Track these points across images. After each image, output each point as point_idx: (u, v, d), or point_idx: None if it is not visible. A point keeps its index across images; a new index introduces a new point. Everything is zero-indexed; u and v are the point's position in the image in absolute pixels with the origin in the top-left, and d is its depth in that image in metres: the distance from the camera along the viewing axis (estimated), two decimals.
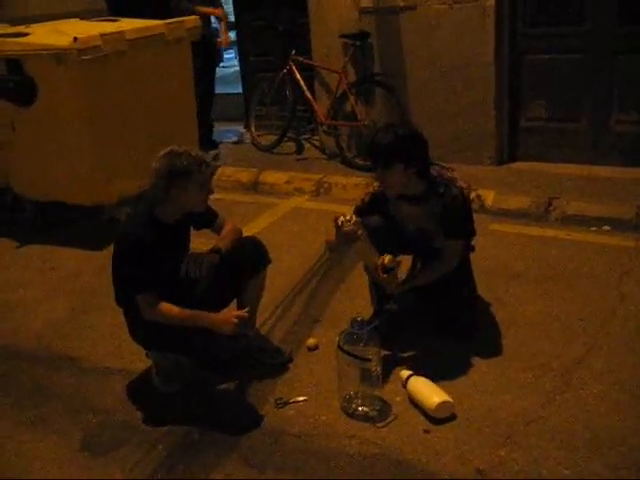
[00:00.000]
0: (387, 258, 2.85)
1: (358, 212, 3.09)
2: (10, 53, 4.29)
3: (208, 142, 6.11)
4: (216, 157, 5.94)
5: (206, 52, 5.80)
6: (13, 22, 5.49)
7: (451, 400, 2.64)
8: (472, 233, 3.12)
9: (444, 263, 3.00)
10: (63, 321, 3.62)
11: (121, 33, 4.36)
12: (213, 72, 6.30)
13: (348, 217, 2.88)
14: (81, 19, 5.33)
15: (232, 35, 8.68)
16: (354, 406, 2.70)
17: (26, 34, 4.48)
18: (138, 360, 3.17)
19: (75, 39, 4.06)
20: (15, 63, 4.28)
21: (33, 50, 4.22)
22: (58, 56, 4.11)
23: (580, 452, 2.42)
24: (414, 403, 2.71)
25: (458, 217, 2.97)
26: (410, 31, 5.17)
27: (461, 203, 2.96)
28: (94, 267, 4.24)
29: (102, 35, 4.23)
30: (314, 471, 2.42)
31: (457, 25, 4.99)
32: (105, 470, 2.50)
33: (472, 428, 2.57)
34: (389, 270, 2.86)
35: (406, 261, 3.28)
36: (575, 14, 4.84)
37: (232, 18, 6.95)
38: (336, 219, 2.88)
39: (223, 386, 2.95)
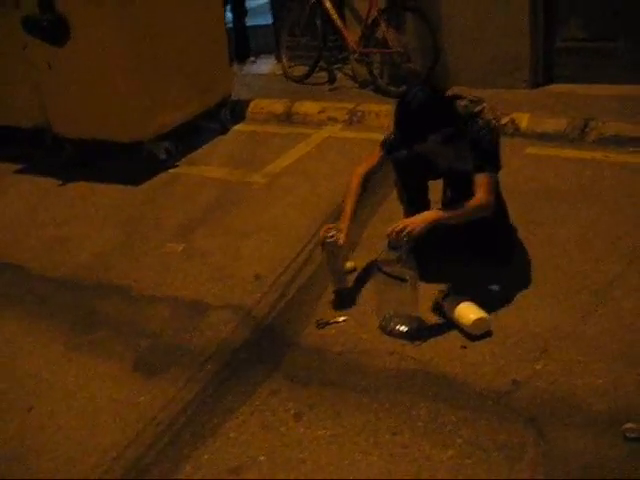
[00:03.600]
0: None
1: (386, 145, 3.09)
2: None
3: (245, 50, 6.54)
4: (254, 63, 6.60)
5: None
6: None
7: (487, 316, 2.72)
8: (498, 167, 2.95)
9: (479, 202, 2.81)
10: (109, 253, 3.75)
11: None
12: None
13: (331, 233, 2.97)
14: None
15: None
16: (392, 325, 2.78)
17: None
18: (182, 288, 3.31)
19: None
20: (46, 2, 4.29)
21: None
22: None
23: (614, 364, 2.48)
24: (451, 321, 2.78)
25: (484, 150, 2.87)
26: None
27: (486, 135, 2.88)
28: (135, 201, 4.37)
29: None
30: (355, 386, 2.54)
31: None
32: (159, 387, 2.65)
33: (508, 343, 2.65)
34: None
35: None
36: None
37: None
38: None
39: (265, 309, 3.06)
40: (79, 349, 2.97)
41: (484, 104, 2.98)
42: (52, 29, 4.33)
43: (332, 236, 2.97)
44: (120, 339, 3.01)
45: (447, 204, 3.23)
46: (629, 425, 2.19)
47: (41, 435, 2.51)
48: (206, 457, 2.30)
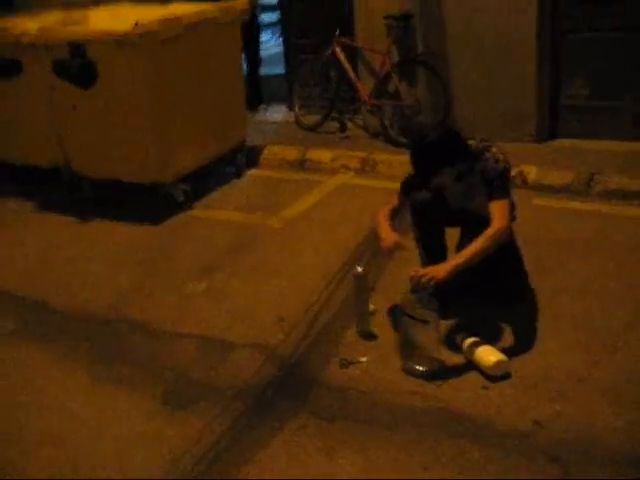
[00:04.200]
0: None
1: (404, 187, 3.23)
2: (74, 39, 4.47)
3: (258, 99, 6.84)
4: (266, 111, 6.89)
5: (250, 25, 5.99)
6: (63, 5, 5.69)
7: (506, 359, 2.82)
8: (509, 193, 3.07)
9: (492, 235, 2.89)
10: (130, 291, 3.83)
11: (178, 18, 4.55)
12: (258, 44, 7.00)
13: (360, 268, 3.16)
14: (130, 1, 5.51)
15: (274, 16, 8.92)
16: (414, 365, 2.88)
17: (86, 20, 4.68)
18: (205, 327, 3.40)
19: (136, 24, 4.24)
20: (77, 48, 4.47)
21: (95, 36, 4.42)
22: (119, 41, 4.31)
23: (629, 407, 2.59)
24: (471, 363, 2.88)
25: (495, 177, 2.99)
26: (453, 12, 5.28)
27: (494, 167, 3.00)
28: (152, 241, 4.48)
29: (160, 20, 4.42)
30: (381, 423, 2.62)
31: (499, 5, 5.09)
32: (188, 422, 2.71)
33: (527, 385, 2.75)
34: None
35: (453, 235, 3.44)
36: None
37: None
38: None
39: (289, 349, 3.15)
40: (105, 383, 3.04)
41: (491, 143, 3.14)
42: (81, 73, 4.50)
43: (362, 270, 3.09)
44: (145, 373, 3.08)
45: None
46: None
47: (70, 467, 2.56)
48: None
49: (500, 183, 3.02)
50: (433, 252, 3.21)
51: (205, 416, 2.74)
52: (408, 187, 3.23)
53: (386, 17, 5.49)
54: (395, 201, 3.28)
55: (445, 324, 3.08)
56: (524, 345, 3.00)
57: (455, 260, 2.93)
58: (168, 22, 4.49)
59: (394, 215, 3.27)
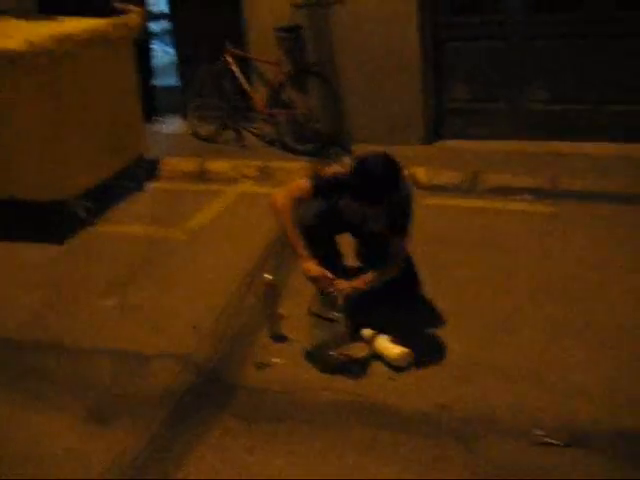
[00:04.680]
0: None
1: (317, 184, 3.20)
2: None
3: (151, 110, 6.71)
4: (161, 123, 6.82)
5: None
6: None
7: (409, 350, 3.07)
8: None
9: (393, 266, 3.22)
10: (43, 312, 3.80)
11: (70, 35, 4.55)
12: (148, 51, 7.03)
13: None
14: (15, 17, 5.41)
15: (155, 27, 8.90)
16: (325, 363, 3.07)
17: None
18: (121, 341, 3.45)
19: (29, 42, 4.22)
20: None
21: None
22: (12, 60, 4.27)
23: (520, 384, 2.89)
24: (379, 357, 3.11)
25: (406, 214, 3.21)
26: (340, 23, 5.54)
27: (408, 202, 3.23)
28: (59, 260, 4.44)
29: (52, 37, 4.40)
30: (300, 419, 2.80)
31: (384, 16, 5.39)
32: (113, 435, 2.78)
33: (429, 372, 3.01)
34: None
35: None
36: (491, 4, 5.35)
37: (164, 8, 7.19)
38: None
39: (204, 355, 3.28)
40: (25, 404, 3.05)
41: (404, 170, 3.33)
42: None
43: (271, 277, 3.26)
44: (65, 392, 3.11)
45: (363, 259, 3.59)
46: (537, 432, 2.59)
47: None
48: None
49: (409, 221, 3.23)
50: (326, 259, 3.33)
51: (128, 428, 2.82)
52: (321, 187, 3.21)
53: (276, 29, 5.67)
54: (304, 191, 3.21)
55: (351, 322, 3.29)
56: (425, 336, 3.27)
57: (362, 283, 3.20)
58: (60, 39, 4.47)
59: (298, 205, 3.24)
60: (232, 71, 5.98)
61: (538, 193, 4.75)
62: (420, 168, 5.16)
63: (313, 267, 3.16)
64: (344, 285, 3.14)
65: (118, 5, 6.03)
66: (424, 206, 4.67)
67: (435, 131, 5.76)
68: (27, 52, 4.22)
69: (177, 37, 6.91)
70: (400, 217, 3.21)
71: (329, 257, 3.42)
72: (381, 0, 5.35)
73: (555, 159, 5.15)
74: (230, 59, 5.98)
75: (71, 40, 4.54)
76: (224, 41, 6.01)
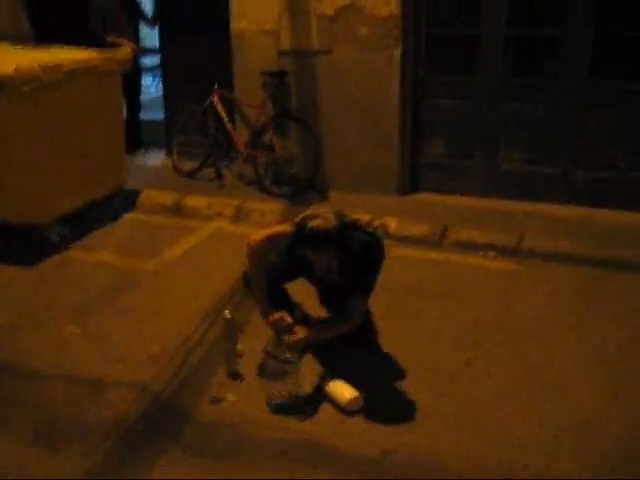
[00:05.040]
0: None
1: (294, 234, 3.22)
2: None
3: (137, 143, 7.04)
4: (145, 156, 7.05)
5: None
6: None
7: (359, 395, 3.13)
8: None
9: (350, 322, 3.30)
10: (3, 332, 3.84)
11: (59, 65, 4.68)
12: (139, 89, 7.19)
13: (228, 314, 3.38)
14: (10, 43, 5.57)
15: (149, 61, 9.08)
16: (278, 402, 3.13)
17: None
18: (79, 367, 3.49)
19: (16, 69, 4.34)
20: None
21: None
22: (0, 84, 4.38)
23: (466, 433, 2.97)
24: (330, 400, 3.17)
25: (373, 280, 3.34)
26: (325, 72, 5.71)
27: (379, 268, 3.36)
28: (26, 282, 4.49)
29: (41, 66, 4.53)
30: (246, 456, 2.84)
31: (367, 70, 5.57)
32: (58, 463, 2.81)
33: (378, 418, 3.07)
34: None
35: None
36: (469, 65, 5.54)
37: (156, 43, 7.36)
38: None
39: (161, 386, 3.32)
40: None
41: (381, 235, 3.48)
42: None
43: (230, 315, 3.33)
44: (16, 415, 3.14)
45: (326, 307, 3.69)
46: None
47: None
48: None
49: (371, 279, 3.34)
50: (276, 299, 3.49)
51: (76, 455, 2.85)
52: (300, 238, 3.19)
53: (262, 73, 5.84)
54: (282, 234, 3.33)
55: (306, 364, 3.36)
56: (376, 382, 3.34)
57: (311, 333, 3.28)
58: (49, 68, 4.61)
59: (274, 243, 3.38)
60: (217, 110, 6.13)
61: (503, 250, 4.85)
62: (392, 218, 5.28)
63: (272, 312, 3.31)
64: (299, 333, 3.22)
65: (111, 38, 6.24)
66: (392, 257, 4.70)
67: (411, 184, 5.90)
68: (15, 78, 4.33)
69: (165, 72, 7.07)
70: (367, 280, 3.34)
71: (285, 303, 3.55)
72: (365, 54, 5.52)
73: (524, 218, 5.29)
74: (216, 99, 6.13)
75: (59, 70, 4.66)
76: (211, 79, 6.17)
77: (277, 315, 3.29)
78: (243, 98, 6.06)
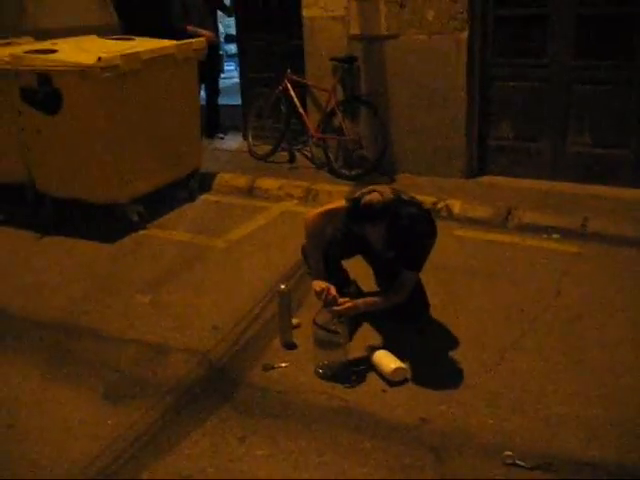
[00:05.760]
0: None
1: (352, 208, 3.36)
2: (41, 68, 4.89)
3: (215, 127, 7.44)
4: (223, 140, 7.44)
5: (211, 57, 6.36)
6: (35, 34, 6.14)
7: (405, 367, 3.27)
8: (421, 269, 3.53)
9: (398, 295, 3.43)
10: (82, 300, 4.21)
11: (138, 54, 5.00)
12: (218, 75, 7.52)
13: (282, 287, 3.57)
14: (98, 35, 5.98)
15: (233, 48, 9.42)
16: (326, 370, 3.31)
17: (54, 51, 5.09)
18: (148, 333, 3.79)
19: (99, 58, 4.67)
20: (45, 77, 4.88)
21: (61, 66, 4.83)
22: (83, 73, 4.72)
23: (504, 409, 3.05)
24: (376, 370, 3.33)
25: (423, 254, 3.44)
26: (393, 57, 5.81)
27: (431, 244, 3.46)
28: (107, 257, 4.86)
29: (121, 55, 4.86)
30: (291, 417, 3.04)
31: (434, 53, 5.63)
32: (125, 413, 3.11)
33: (420, 389, 3.20)
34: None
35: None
36: (537, 48, 5.51)
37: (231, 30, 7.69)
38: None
39: (219, 354, 3.57)
40: (55, 380, 3.41)
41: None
42: (47, 100, 4.90)
43: (284, 287, 3.53)
44: (90, 373, 3.46)
45: (380, 286, 3.86)
46: (507, 453, 2.75)
47: (20, 447, 2.94)
48: (162, 468, 2.76)
49: (420, 255, 3.45)
50: (332, 274, 3.65)
51: (140, 409, 3.13)
52: (356, 213, 3.34)
53: (333, 59, 6.00)
54: (338, 209, 3.50)
55: (354, 335, 3.53)
56: (422, 354, 3.46)
57: (356, 304, 3.43)
58: (128, 57, 4.93)
59: (330, 218, 3.55)
60: (289, 95, 6.34)
61: (567, 233, 4.85)
62: (456, 201, 5.36)
63: (319, 283, 3.45)
64: (345, 304, 3.38)
65: (190, 29, 6.57)
66: (453, 236, 4.92)
67: (477, 167, 5.93)
68: (96, 66, 4.66)
69: (242, 59, 7.34)
70: (418, 254, 3.45)
71: (339, 278, 3.73)
72: (432, 38, 5.59)
73: (590, 202, 5.24)
74: (289, 84, 6.34)
75: (137, 58, 4.98)
76: (285, 67, 6.39)
77: (323, 285, 3.43)
78: (314, 83, 6.24)
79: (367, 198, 3.29)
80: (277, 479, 2.69)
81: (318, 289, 3.44)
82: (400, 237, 3.32)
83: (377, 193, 3.30)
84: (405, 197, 3.48)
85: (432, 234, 3.49)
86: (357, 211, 3.32)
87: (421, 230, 3.40)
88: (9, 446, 2.95)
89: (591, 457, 2.75)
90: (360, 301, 3.49)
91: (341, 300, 3.38)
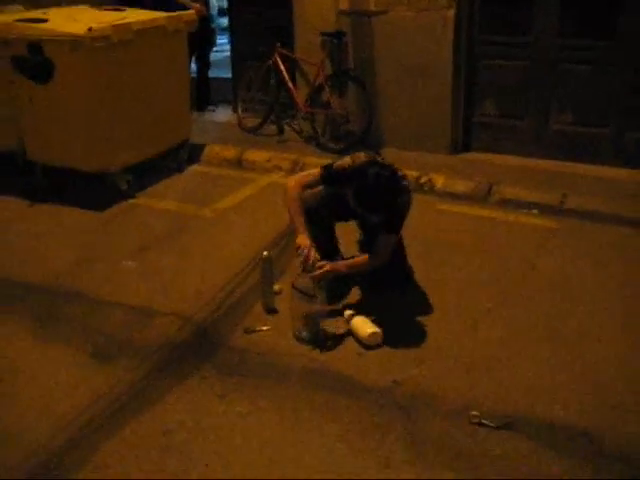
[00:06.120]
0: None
1: (327, 173, 3.53)
2: (32, 37, 4.94)
3: (206, 100, 7.47)
4: (213, 112, 7.49)
5: (202, 30, 6.47)
6: (25, 4, 6.17)
7: (380, 331, 3.41)
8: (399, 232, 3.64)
9: (377, 258, 3.52)
10: (72, 265, 4.31)
11: (129, 24, 5.06)
12: (209, 48, 7.52)
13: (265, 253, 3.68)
14: (90, 6, 6.02)
15: (226, 21, 9.44)
16: (303, 334, 3.44)
17: (45, 20, 5.13)
18: (135, 297, 3.91)
19: (90, 28, 4.74)
20: (36, 46, 4.94)
21: (53, 36, 4.88)
22: (74, 42, 4.78)
23: (473, 373, 3.19)
24: (353, 335, 3.46)
25: (400, 217, 3.53)
26: (381, 32, 5.89)
27: (407, 207, 3.55)
28: (96, 224, 4.96)
29: (112, 25, 4.92)
30: (269, 377, 3.18)
31: (422, 30, 5.71)
32: (111, 372, 3.24)
33: (394, 353, 3.34)
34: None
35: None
36: (523, 26, 5.60)
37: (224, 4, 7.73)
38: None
39: (203, 317, 3.70)
40: (45, 341, 3.53)
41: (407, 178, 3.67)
42: (38, 69, 4.97)
43: (267, 254, 3.66)
44: (79, 334, 3.58)
45: (362, 249, 3.96)
46: (473, 413, 2.90)
47: (8, 401, 3.07)
48: (144, 422, 2.90)
49: (398, 221, 3.55)
50: (323, 243, 3.74)
51: (124, 368, 3.26)
52: (330, 176, 3.53)
53: (322, 33, 6.07)
54: (313, 176, 3.60)
55: (335, 302, 3.66)
56: (398, 320, 3.61)
57: (336, 266, 3.55)
58: (119, 27, 4.99)
59: (306, 188, 3.60)
60: (279, 69, 6.41)
61: (546, 209, 4.98)
62: (440, 176, 5.47)
63: (304, 241, 3.51)
64: (324, 267, 3.47)
65: (181, 0, 6.60)
66: (435, 210, 5.04)
67: (462, 143, 6.04)
68: (87, 36, 4.73)
69: (232, 33, 7.39)
70: (393, 217, 3.52)
71: (324, 241, 3.80)
72: (419, 15, 5.66)
73: (570, 179, 5.37)
74: (278, 58, 6.41)
75: (128, 29, 5.04)
76: (275, 40, 6.45)
77: (306, 242, 3.48)
78: (303, 57, 6.31)
79: (338, 162, 3.52)
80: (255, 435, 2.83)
81: (300, 244, 3.49)
82: (367, 196, 3.31)
83: (349, 157, 3.48)
84: (380, 161, 3.53)
85: (402, 193, 3.49)
86: (330, 175, 3.51)
87: (389, 189, 3.36)
88: None
89: (554, 418, 2.90)
90: (340, 263, 3.61)
91: (320, 263, 3.47)
